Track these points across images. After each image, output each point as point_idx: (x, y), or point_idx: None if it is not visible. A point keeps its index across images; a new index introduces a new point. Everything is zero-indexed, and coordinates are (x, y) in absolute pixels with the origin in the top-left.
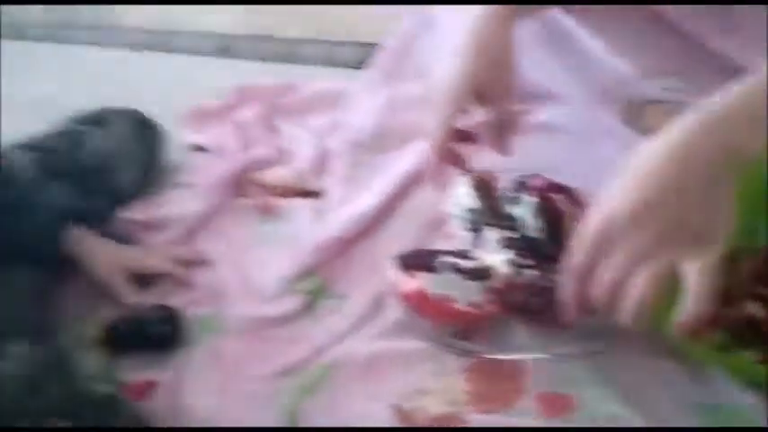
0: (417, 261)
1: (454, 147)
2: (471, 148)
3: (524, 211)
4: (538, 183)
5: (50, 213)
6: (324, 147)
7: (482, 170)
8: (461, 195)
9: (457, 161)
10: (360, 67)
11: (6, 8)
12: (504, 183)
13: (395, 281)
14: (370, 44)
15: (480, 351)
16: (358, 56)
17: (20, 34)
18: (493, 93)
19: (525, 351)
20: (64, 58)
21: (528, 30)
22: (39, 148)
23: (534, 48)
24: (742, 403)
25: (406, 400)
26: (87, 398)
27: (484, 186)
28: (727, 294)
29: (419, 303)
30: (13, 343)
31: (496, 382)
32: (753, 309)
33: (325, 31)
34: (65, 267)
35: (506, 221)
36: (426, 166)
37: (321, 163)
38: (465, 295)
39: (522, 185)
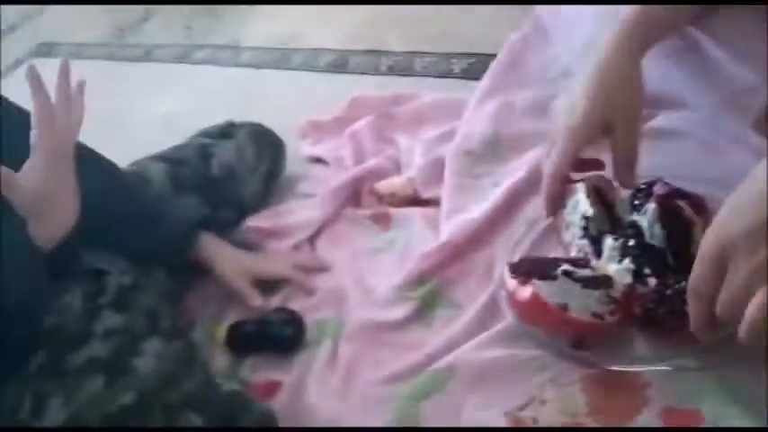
0: (534, 268)
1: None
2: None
3: (646, 218)
4: (661, 189)
5: (183, 221)
6: (437, 156)
7: (599, 176)
8: (579, 203)
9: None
10: (472, 78)
11: (136, 34)
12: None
13: (511, 288)
14: (483, 55)
15: (600, 362)
16: (471, 67)
17: (149, 56)
18: (619, 130)
19: (645, 362)
20: (189, 77)
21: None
22: (170, 160)
23: (660, 57)
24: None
25: (521, 408)
26: (217, 394)
27: (601, 193)
28: None
29: (535, 311)
30: (149, 340)
31: (617, 394)
32: None
33: (438, 44)
34: (195, 271)
35: (626, 229)
36: (544, 194)
37: (434, 172)
38: (583, 305)
39: (644, 192)
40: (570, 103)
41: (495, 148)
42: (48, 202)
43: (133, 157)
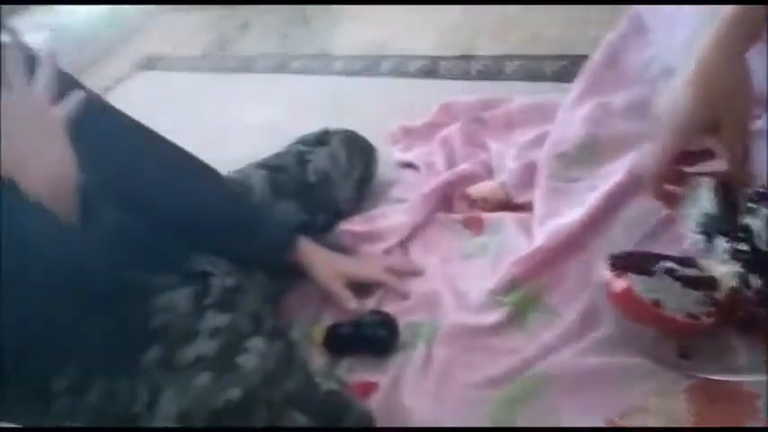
0: (633, 263)
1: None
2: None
3: (760, 223)
4: None
5: (282, 227)
6: (529, 160)
7: (728, 173)
8: (701, 198)
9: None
10: (564, 81)
11: (235, 45)
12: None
13: (606, 279)
14: (574, 56)
15: (703, 371)
16: (562, 69)
17: (248, 67)
18: (727, 127)
19: (748, 372)
20: (286, 86)
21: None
22: (270, 168)
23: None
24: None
25: (622, 416)
26: (317, 393)
27: (726, 192)
28: None
29: (626, 304)
30: (253, 339)
31: (721, 403)
32: None
33: (527, 46)
34: (293, 274)
35: (741, 232)
36: (647, 186)
37: (527, 176)
38: (680, 304)
39: (761, 195)
40: (672, 102)
41: (590, 151)
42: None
43: (236, 165)
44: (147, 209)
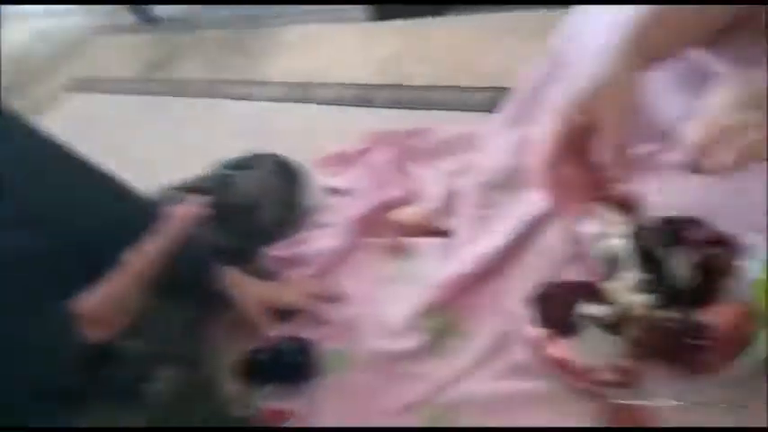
0: (556, 316)
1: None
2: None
3: (677, 262)
4: (697, 235)
5: (201, 252)
6: (453, 187)
7: (629, 196)
8: (604, 232)
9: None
10: (490, 112)
11: (170, 69)
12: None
13: (535, 338)
14: (500, 89)
15: (611, 396)
16: (488, 101)
17: (180, 91)
18: (609, 114)
19: (659, 397)
20: (217, 111)
21: (665, 72)
22: (193, 191)
23: (672, 90)
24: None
25: None
26: (227, 420)
27: (628, 208)
28: None
29: (561, 370)
30: (165, 367)
31: (628, 428)
32: None
33: (458, 77)
34: (213, 299)
35: (652, 261)
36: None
37: (451, 203)
38: (607, 358)
39: (676, 229)
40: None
41: (513, 180)
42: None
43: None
44: (57, 225)
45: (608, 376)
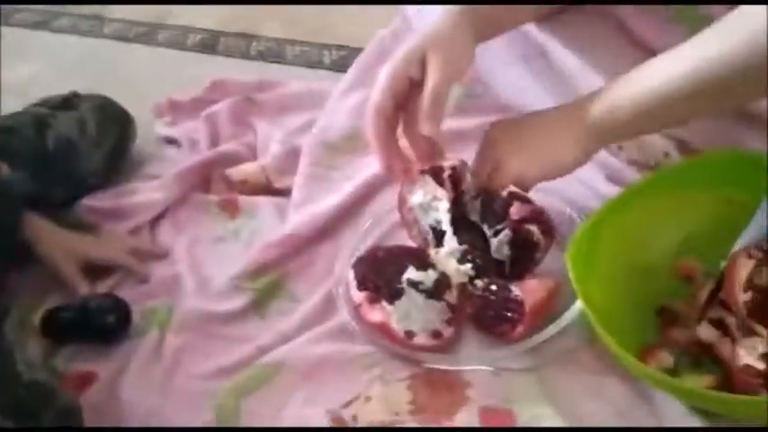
0: (380, 280)
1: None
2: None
3: (497, 238)
4: (516, 214)
5: (7, 198)
6: (294, 145)
7: (455, 164)
8: (429, 202)
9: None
10: (342, 71)
11: None
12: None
13: (357, 302)
14: (355, 48)
15: (425, 360)
16: (341, 59)
17: (8, 21)
18: (434, 63)
19: (471, 363)
20: (46, 45)
21: (503, 48)
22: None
23: (510, 65)
24: (686, 428)
25: (346, 406)
26: (17, 384)
27: (455, 181)
28: (679, 317)
29: (382, 334)
30: None
31: (440, 392)
32: (705, 332)
33: (309, 33)
34: (18, 251)
35: (473, 231)
36: (370, 136)
37: (290, 161)
38: (426, 324)
39: (499, 205)
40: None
41: (353, 142)
42: None
43: None
44: None
45: (424, 341)
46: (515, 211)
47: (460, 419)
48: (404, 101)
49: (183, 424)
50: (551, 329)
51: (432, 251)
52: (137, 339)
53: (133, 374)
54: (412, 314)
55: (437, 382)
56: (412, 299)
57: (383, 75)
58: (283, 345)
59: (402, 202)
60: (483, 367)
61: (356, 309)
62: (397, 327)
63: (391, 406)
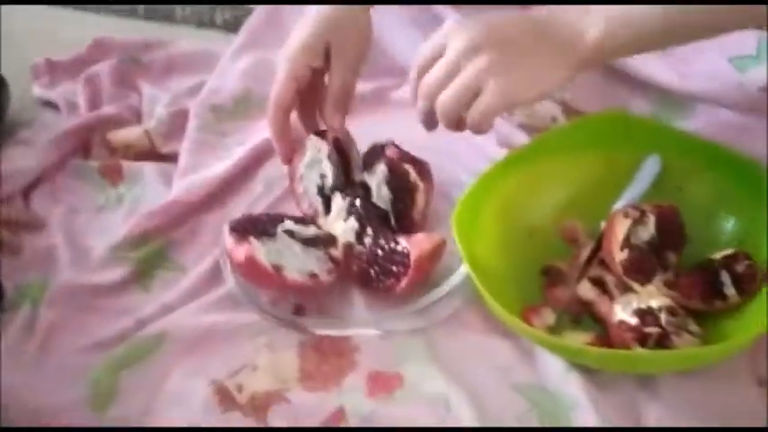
0: (253, 226)
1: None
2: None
3: (375, 178)
4: (391, 152)
5: None
6: (181, 109)
7: (337, 132)
8: (315, 157)
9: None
10: (233, 31)
11: None
12: (361, 149)
13: (228, 246)
14: (246, 7)
15: (313, 326)
16: (233, 20)
17: None
18: (337, 58)
19: (359, 327)
20: None
21: (395, 11)
22: None
23: (403, 27)
24: (567, 386)
25: (232, 376)
26: None
27: (338, 150)
28: (561, 277)
29: (250, 271)
30: None
31: (329, 358)
32: (584, 290)
33: None
34: None
35: (357, 189)
36: (270, 129)
37: (177, 126)
38: (301, 265)
39: (376, 152)
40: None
41: (244, 106)
42: None
43: None
44: None
45: (297, 278)
46: (390, 152)
47: (348, 384)
48: (305, 88)
49: (56, 401)
50: (439, 291)
51: (321, 220)
52: (9, 315)
53: (3, 352)
54: (285, 254)
55: (325, 349)
56: (286, 244)
57: (284, 67)
58: (166, 316)
59: (293, 174)
60: (371, 331)
61: (227, 253)
62: (265, 260)
63: (279, 374)
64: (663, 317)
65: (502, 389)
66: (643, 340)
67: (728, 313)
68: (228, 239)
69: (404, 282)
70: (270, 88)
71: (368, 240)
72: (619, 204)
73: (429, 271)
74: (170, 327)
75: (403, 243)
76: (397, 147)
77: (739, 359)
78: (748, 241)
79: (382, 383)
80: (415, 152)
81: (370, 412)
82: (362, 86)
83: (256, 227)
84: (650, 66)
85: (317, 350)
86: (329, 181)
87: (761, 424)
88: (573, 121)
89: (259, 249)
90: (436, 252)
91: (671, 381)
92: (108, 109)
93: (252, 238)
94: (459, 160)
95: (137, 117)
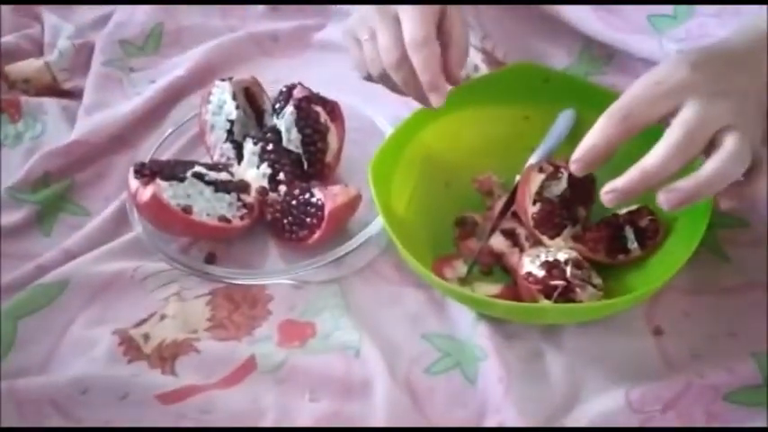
0: (161, 169)
1: None
2: None
3: (284, 122)
4: (299, 93)
5: None
6: (87, 41)
7: (245, 78)
8: (224, 104)
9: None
10: None
11: None
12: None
13: (133, 189)
14: None
15: (225, 276)
16: None
17: None
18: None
19: (273, 276)
20: None
21: None
22: None
23: None
24: (476, 336)
25: (138, 325)
26: None
27: (247, 95)
28: (475, 229)
29: (156, 213)
30: None
31: (241, 308)
32: (497, 242)
33: None
34: None
35: (268, 134)
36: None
37: (81, 59)
38: (211, 208)
39: (284, 95)
40: None
41: (154, 40)
42: None
43: None
44: None
45: (207, 220)
46: (297, 91)
47: (260, 333)
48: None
49: None
50: (354, 242)
51: (234, 169)
52: None
53: None
54: (194, 197)
55: (238, 298)
56: (197, 188)
57: (413, 9)
58: (68, 262)
59: (203, 126)
60: (284, 281)
61: (132, 196)
62: (172, 202)
63: (188, 323)
64: (568, 270)
65: (413, 338)
66: (548, 292)
67: (631, 266)
68: (133, 181)
69: (317, 234)
70: (184, 22)
71: (282, 188)
72: (533, 158)
73: (343, 224)
74: (73, 273)
75: (318, 195)
76: (305, 87)
77: (637, 310)
78: (652, 197)
79: (295, 333)
80: (335, 97)
81: (281, 361)
82: (282, 25)
83: (164, 170)
84: (579, 11)
85: (229, 299)
86: (238, 126)
87: (656, 371)
88: (490, 73)
89: (166, 190)
90: (351, 205)
91: (574, 331)
92: (6, 39)
93: (159, 180)
94: (379, 105)
95: (38, 49)
